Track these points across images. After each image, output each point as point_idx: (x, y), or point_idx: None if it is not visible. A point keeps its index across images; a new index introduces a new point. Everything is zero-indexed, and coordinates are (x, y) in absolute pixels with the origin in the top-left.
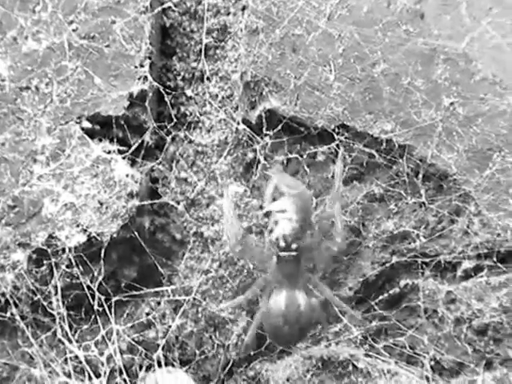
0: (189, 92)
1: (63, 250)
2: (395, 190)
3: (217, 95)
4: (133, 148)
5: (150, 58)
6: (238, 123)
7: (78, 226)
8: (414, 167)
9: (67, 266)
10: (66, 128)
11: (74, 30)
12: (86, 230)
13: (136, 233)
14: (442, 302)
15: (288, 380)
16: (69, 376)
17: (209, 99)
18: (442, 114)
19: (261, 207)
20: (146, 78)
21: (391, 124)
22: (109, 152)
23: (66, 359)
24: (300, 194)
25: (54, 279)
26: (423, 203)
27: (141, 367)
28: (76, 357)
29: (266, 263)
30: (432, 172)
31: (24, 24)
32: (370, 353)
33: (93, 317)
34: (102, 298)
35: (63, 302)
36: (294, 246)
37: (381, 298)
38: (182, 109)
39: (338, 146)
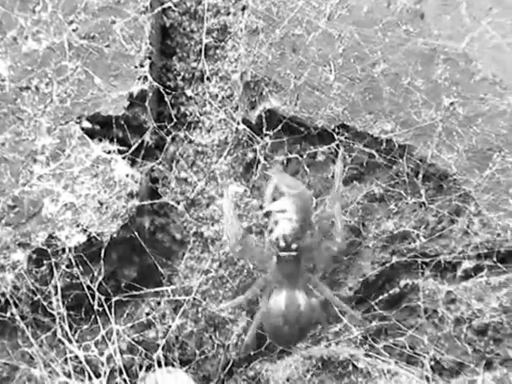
0: (189, 92)
1: (63, 250)
2: (395, 190)
3: (217, 95)
4: (133, 148)
5: (150, 58)
6: (238, 123)
7: (78, 226)
8: (414, 167)
9: (67, 266)
10: (65, 128)
11: (74, 30)
12: (86, 230)
13: (136, 233)
14: (442, 301)
15: (288, 380)
16: (69, 376)
17: (209, 99)
18: (442, 114)
19: (261, 207)
20: (145, 77)
21: (391, 124)
22: (109, 152)
23: (66, 359)
24: (300, 194)
25: (54, 279)
26: (423, 203)
27: (141, 367)
28: (76, 357)
29: (266, 263)
30: (432, 172)
31: (24, 24)
32: (370, 353)
33: (93, 317)
34: (102, 298)
35: (63, 302)
36: (293, 246)
37: (381, 297)
38: (182, 109)
39: (338, 146)
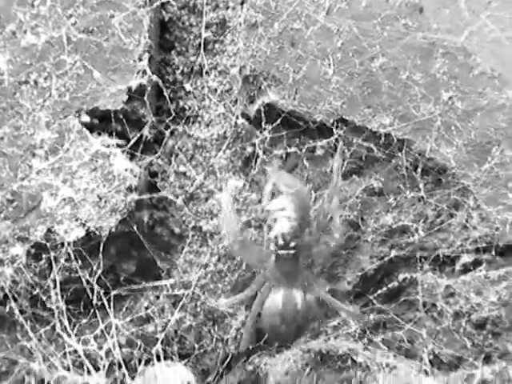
0: (188, 86)
1: (62, 244)
2: (394, 184)
3: (216, 89)
4: (132, 142)
5: (148, 52)
6: (237, 117)
7: (76, 220)
8: (413, 161)
9: (66, 260)
10: (64, 122)
11: (72, 24)
12: (84, 225)
13: (135, 227)
14: (441, 295)
15: (287, 374)
16: (68, 370)
17: (208, 93)
18: (441, 108)
19: (260, 201)
20: (144, 72)
21: (390, 118)
22: (108, 146)
23: (65, 353)
24: (298, 192)
25: (53, 273)
26: (422, 197)
27: (140, 361)
28: (75, 351)
29: (265, 261)
30: (431, 166)
31: (23, 18)
32: (369, 347)
33: (92, 311)
34: (101, 292)
35: (62, 296)
36: (292, 244)
37: (379, 292)
38: (181, 103)
39: (336, 140)
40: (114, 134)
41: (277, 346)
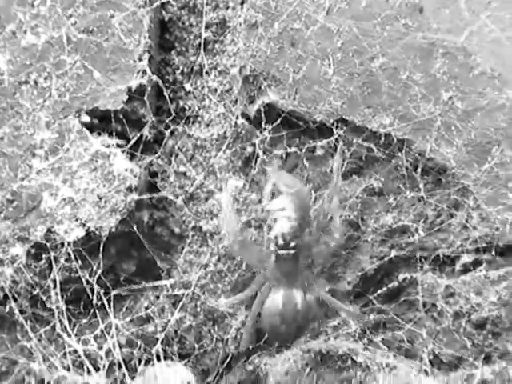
0: (188, 86)
1: (62, 244)
2: (394, 184)
3: (216, 89)
4: (132, 142)
5: (148, 52)
6: (237, 117)
7: (76, 220)
8: (413, 161)
9: (66, 260)
10: (64, 122)
11: (72, 24)
12: (84, 225)
13: (135, 227)
14: (441, 295)
15: (287, 374)
16: (68, 370)
17: (208, 93)
18: (441, 108)
19: (259, 201)
20: (144, 72)
21: (390, 118)
22: (108, 146)
23: (65, 353)
24: (298, 192)
25: (53, 273)
26: (422, 197)
27: (140, 361)
28: (75, 351)
29: (265, 261)
30: (431, 166)
31: (23, 18)
32: (369, 347)
33: (92, 311)
34: (101, 292)
35: (62, 296)
36: (292, 244)
37: (379, 292)
38: (181, 103)
39: (336, 140)
40: (114, 134)
41: (277, 345)
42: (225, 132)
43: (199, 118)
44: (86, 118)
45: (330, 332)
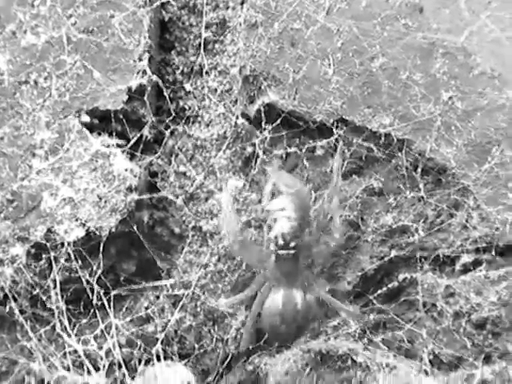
0: (188, 86)
1: (62, 245)
2: (394, 184)
3: (216, 89)
4: (132, 142)
5: (148, 52)
6: (237, 117)
7: (76, 220)
8: (413, 161)
9: (66, 260)
10: (64, 122)
11: (72, 24)
12: (84, 225)
13: (135, 227)
14: (441, 295)
15: (287, 374)
16: (68, 370)
17: (208, 93)
18: (441, 108)
19: (259, 201)
20: (144, 72)
21: (390, 118)
22: (108, 146)
23: (65, 353)
24: (298, 192)
25: (53, 273)
26: (422, 197)
27: (140, 361)
28: (75, 351)
29: (265, 261)
30: (431, 166)
31: (23, 18)
32: (369, 347)
33: (92, 311)
34: (101, 292)
35: (62, 296)
36: (292, 244)
37: (379, 292)
38: (181, 103)
39: (336, 140)
40: (114, 134)
41: (277, 346)
42: (225, 132)
43: (199, 118)
44: (86, 118)
45: (330, 332)
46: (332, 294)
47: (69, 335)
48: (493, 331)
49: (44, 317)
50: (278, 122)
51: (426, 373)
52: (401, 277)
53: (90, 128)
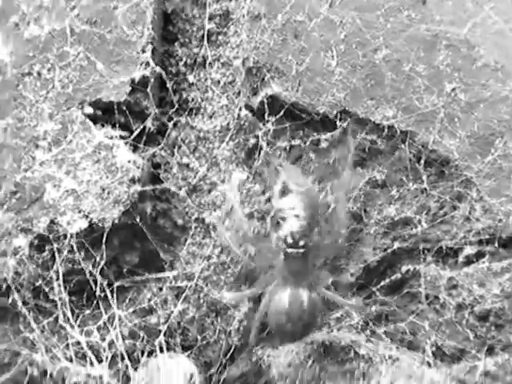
0: (191, 78)
1: (65, 236)
2: (397, 176)
3: (219, 81)
4: (135, 134)
5: (151, 44)
6: (240, 109)
7: (79, 211)
8: (416, 153)
9: (69, 252)
10: (67, 114)
11: (75, 16)
12: (87, 216)
13: (138, 218)
14: (444, 287)
15: (289, 365)
16: (71, 361)
17: (211, 85)
18: (444, 100)
19: (263, 192)
20: (147, 63)
21: (393, 110)
22: (111, 138)
23: (67, 345)
24: (308, 191)
25: (56, 265)
26: (425, 189)
27: (142, 353)
28: (78, 342)
29: (273, 259)
30: (434, 158)
31: (26, 10)
32: (372, 338)
33: (95, 302)
34: (104, 283)
35: (65, 288)
36: (301, 243)
37: (382, 283)
38: (184, 94)
39: (344, 133)
40: (117, 125)
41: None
42: (228, 124)
43: (202, 110)
44: (89, 110)
45: (333, 324)
46: (335, 285)
47: (72, 326)
48: (496, 323)
49: (47, 308)
50: (281, 113)
51: (429, 365)
52: (404, 269)
53: (93, 119)
